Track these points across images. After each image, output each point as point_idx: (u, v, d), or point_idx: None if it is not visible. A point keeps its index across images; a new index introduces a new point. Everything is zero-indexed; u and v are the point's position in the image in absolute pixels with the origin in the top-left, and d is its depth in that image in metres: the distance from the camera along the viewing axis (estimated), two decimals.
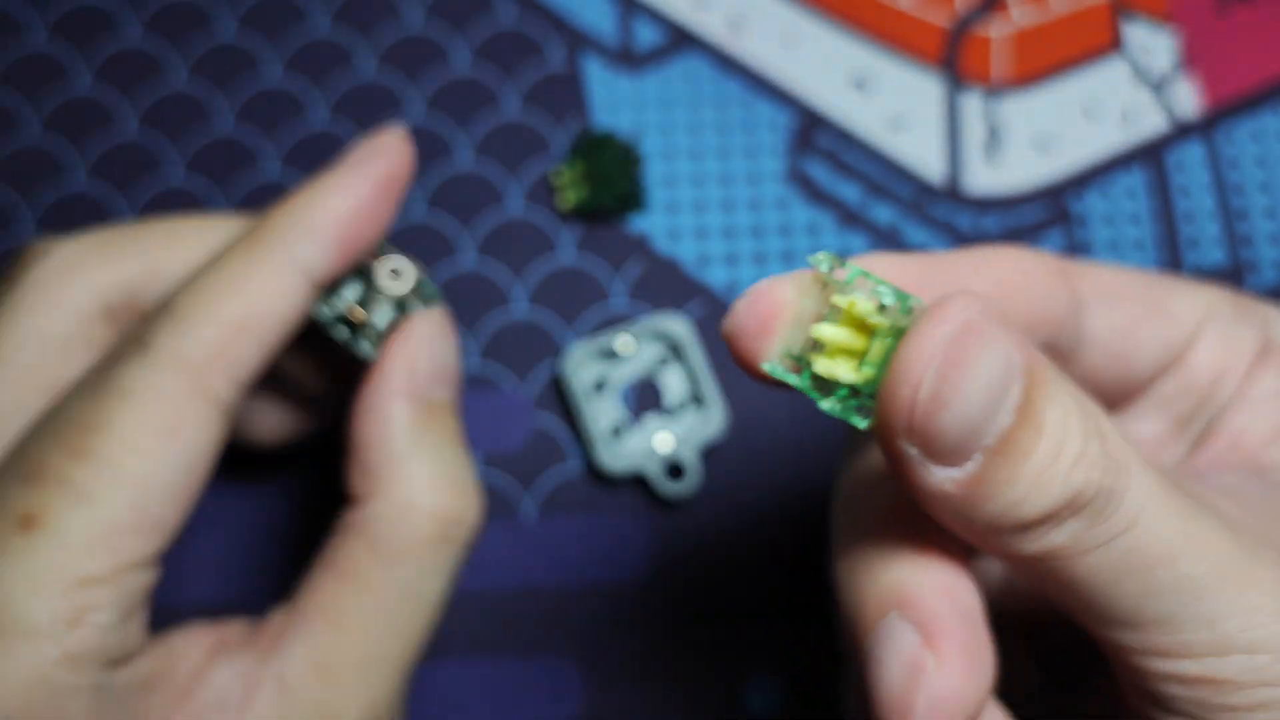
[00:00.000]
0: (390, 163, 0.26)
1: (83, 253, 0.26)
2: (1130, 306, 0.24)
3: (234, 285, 0.24)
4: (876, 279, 0.18)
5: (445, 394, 0.26)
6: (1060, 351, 0.24)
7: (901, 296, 0.18)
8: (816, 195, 0.38)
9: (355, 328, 0.27)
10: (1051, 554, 0.18)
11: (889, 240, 0.37)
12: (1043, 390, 0.18)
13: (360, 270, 0.27)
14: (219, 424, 0.23)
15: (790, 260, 0.37)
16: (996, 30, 0.39)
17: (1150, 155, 0.38)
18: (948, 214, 0.37)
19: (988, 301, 0.18)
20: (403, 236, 0.37)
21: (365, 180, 0.26)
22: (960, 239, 0.37)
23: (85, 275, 0.26)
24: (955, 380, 0.17)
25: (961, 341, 0.17)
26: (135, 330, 0.24)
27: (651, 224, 0.37)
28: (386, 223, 0.26)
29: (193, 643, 0.24)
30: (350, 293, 0.27)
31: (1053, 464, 0.18)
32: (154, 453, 0.22)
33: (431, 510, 0.24)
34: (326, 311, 0.27)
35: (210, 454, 0.23)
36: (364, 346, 0.27)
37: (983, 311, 0.17)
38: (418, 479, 0.25)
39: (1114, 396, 0.25)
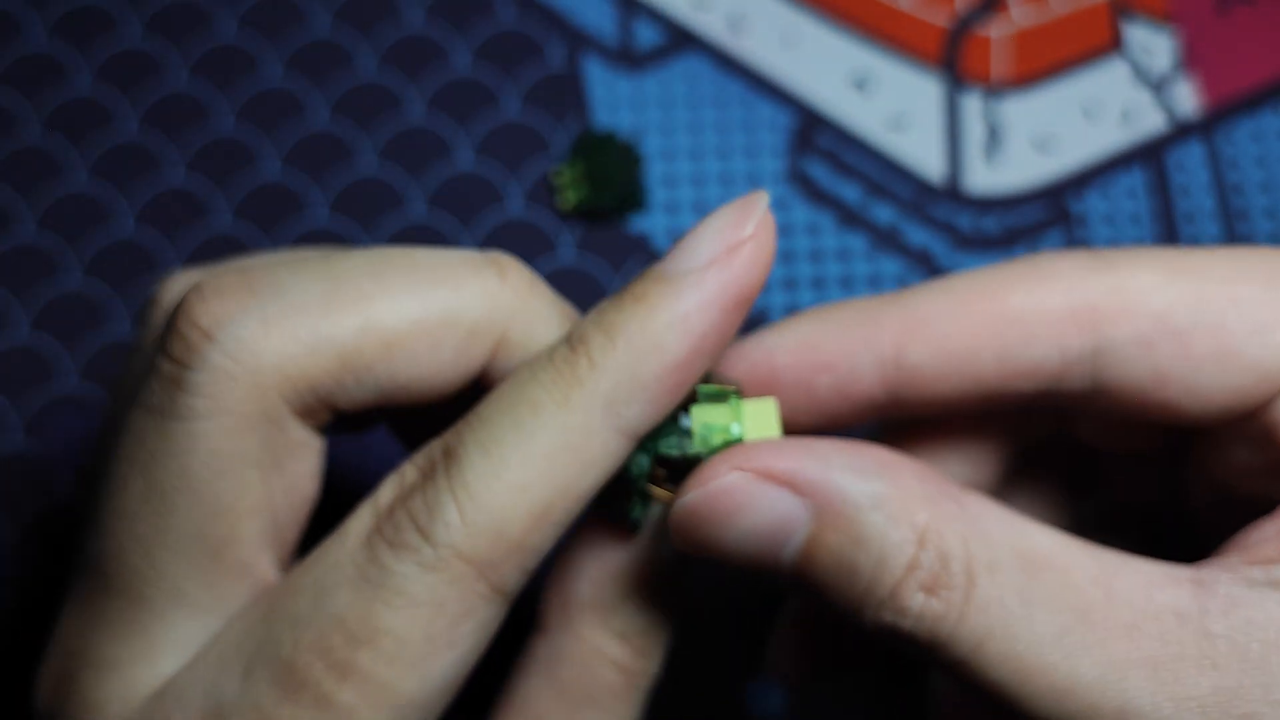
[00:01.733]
0: (749, 270, 0.20)
1: (266, 329, 0.20)
2: (1176, 346, 0.21)
3: (543, 461, 0.19)
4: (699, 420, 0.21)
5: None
6: (1067, 395, 0.22)
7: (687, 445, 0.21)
8: (816, 195, 0.38)
9: (644, 495, 0.22)
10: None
11: (889, 240, 0.37)
12: (834, 535, 0.19)
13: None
14: (501, 613, 0.20)
15: (790, 260, 0.37)
16: (996, 30, 0.39)
17: (1150, 155, 0.38)
18: (948, 214, 0.37)
19: (777, 448, 0.20)
20: (402, 237, 0.37)
21: (714, 305, 0.20)
22: (960, 239, 0.37)
23: (276, 370, 0.20)
24: (714, 532, 0.20)
25: (715, 501, 0.20)
26: (412, 504, 0.19)
27: (651, 224, 0.37)
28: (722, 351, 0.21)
29: None
30: (667, 445, 0.22)
31: (869, 593, 0.19)
32: (429, 667, 0.19)
33: (618, 661, 0.23)
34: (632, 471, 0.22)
35: (485, 646, 0.20)
36: (637, 513, 0.22)
37: (750, 472, 0.19)
38: (616, 628, 0.22)
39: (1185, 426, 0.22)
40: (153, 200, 0.37)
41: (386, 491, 0.20)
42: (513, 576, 0.20)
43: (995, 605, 0.18)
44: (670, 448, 0.21)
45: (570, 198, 0.37)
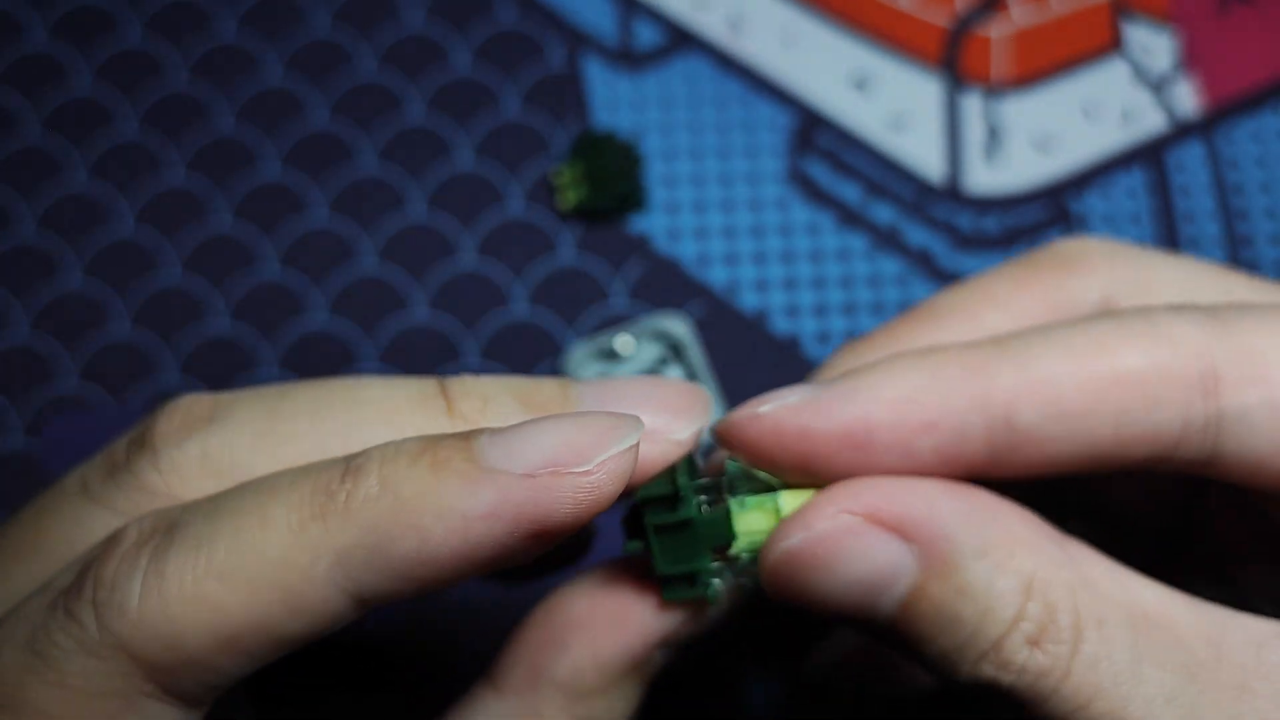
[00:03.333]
0: (568, 507, 0.17)
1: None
2: None
3: (248, 588, 0.17)
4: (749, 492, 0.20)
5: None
6: (1181, 462, 0.20)
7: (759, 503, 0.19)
8: (816, 195, 0.38)
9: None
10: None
11: (889, 240, 0.37)
12: (939, 584, 0.18)
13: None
14: (182, 715, 0.18)
15: (790, 261, 0.37)
16: (996, 30, 0.39)
17: (1150, 155, 0.38)
18: (948, 214, 0.37)
19: (877, 492, 0.18)
20: (402, 238, 0.37)
21: (508, 524, 0.17)
22: (960, 239, 0.37)
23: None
24: (814, 578, 0.18)
25: (820, 546, 0.18)
26: (104, 573, 0.17)
27: (651, 224, 0.37)
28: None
29: None
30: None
31: (970, 645, 0.18)
32: None
33: None
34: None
35: None
36: (712, 590, 0.20)
37: (859, 515, 0.18)
38: (575, 713, 0.21)
39: None
40: (153, 200, 0.37)
41: (100, 548, 0.18)
42: (193, 687, 0.17)
43: (1104, 662, 0.17)
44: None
45: (570, 198, 0.37)
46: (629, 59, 0.39)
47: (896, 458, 0.19)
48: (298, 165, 0.38)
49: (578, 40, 0.39)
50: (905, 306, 0.36)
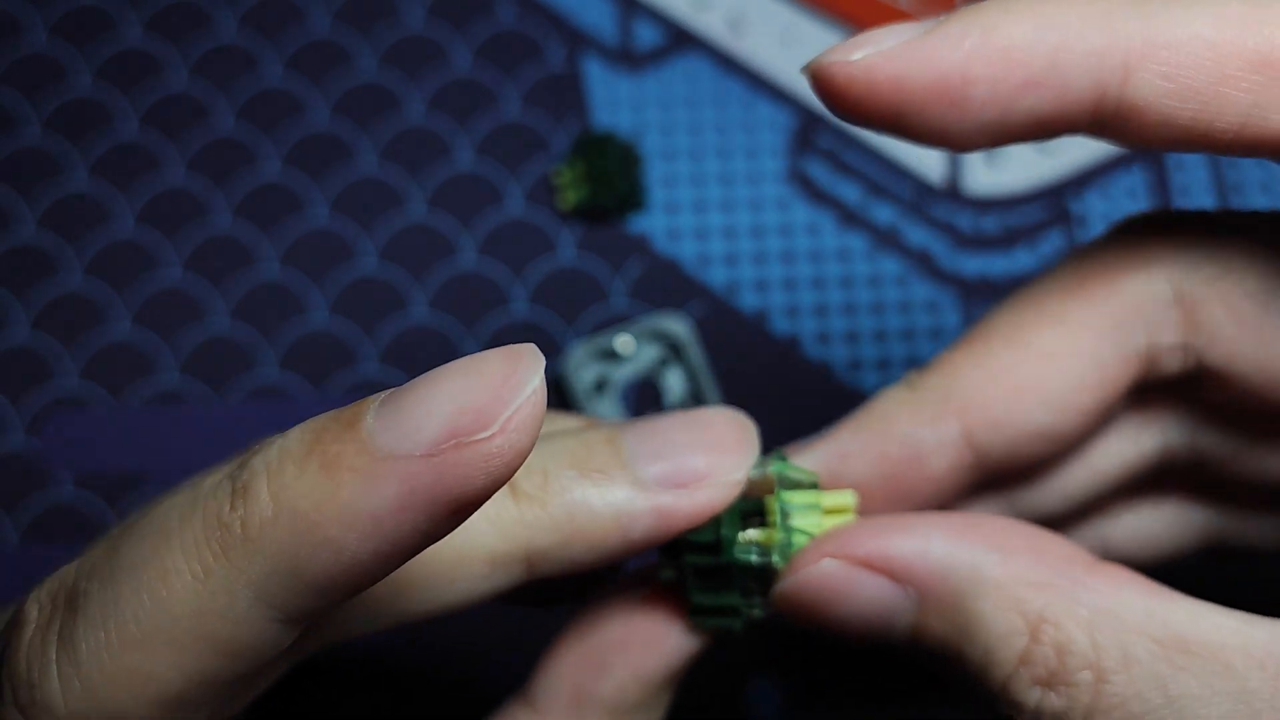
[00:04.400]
0: (483, 472, 0.15)
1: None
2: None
3: (171, 648, 0.16)
4: (786, 500, 0.20)
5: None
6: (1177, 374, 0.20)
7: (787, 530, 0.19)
8: (816, 195, 0.38)
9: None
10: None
11: (889, 240, 0.37)
12: (938, 623, 0.18)
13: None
14: None
15: (790, 261, 0.37)
16: None
17: (1150, 155, 0.38)
18: (947, 214, 0.37)
19: (876, 531, 0.18)
20: (402, 238, 0.37)
21: (420, 509, 0.15)
22: (960, 239, 0.37)
23: None
24: (819, 615, 0.19)
25: (810, 590, 0.19)
26: (15, 665, 0.16)
27: (651, 224, 0.37)
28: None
29: None
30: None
31: (980, 684, 0.17)
32: None
33: None
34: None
35: None
36: (736, 624, 0.21)
37: (844, 559, 0.18)
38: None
39: None
40: (153, 200, 0.37)
41: (4, 639, 0.17)
42: None
43: (1134, 701, 0.16)
44: (746, 554, 0.20)
45: (570, 198, 0.37)
46: (629, 59, 0.39)
47: (994, 115, 0.18)
48: (298, 165, 0.38)
49: (578, 40, 0.39)
50: (905, 306, 0.36)
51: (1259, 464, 0.22)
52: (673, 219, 0.37)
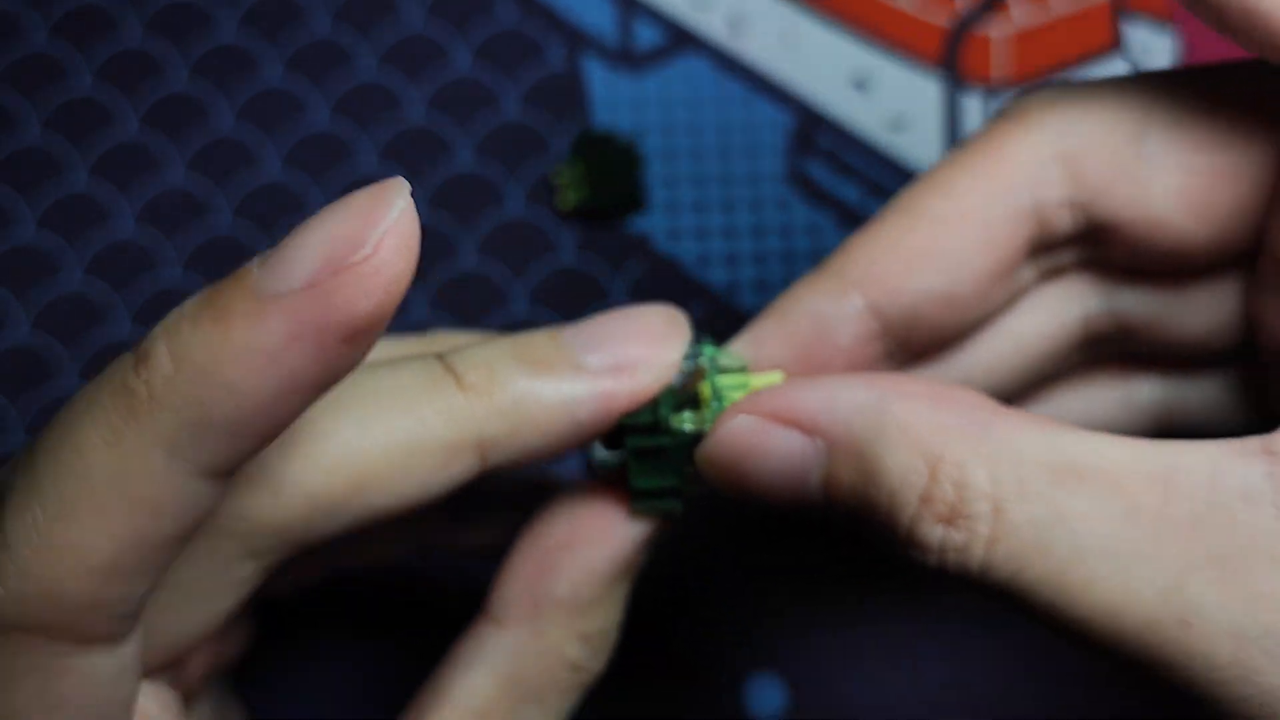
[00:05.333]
0: (361, 297, 0.16)
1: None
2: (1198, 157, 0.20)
3: (95, 515, 0.16)
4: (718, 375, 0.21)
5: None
6: (1108, 223, 0.21)
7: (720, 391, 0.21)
8: (817, 195, 0.38)
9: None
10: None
11: None
12: (847, 472, 0.19)
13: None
14: (123, 652, 0.18)
15: (790, 261, 0.37)
16: (997, 30, 0.39)
17: None
18: None
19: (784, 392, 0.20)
20: None
21: (309, 340, 0.16)
22: None
23: (251, 518, 0.19)
24: (739, 476, 0.20)
25: (728, 447, 0.20)
26: None
27: (652, 224, 0.37)
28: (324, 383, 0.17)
29: None
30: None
31: (889, 529, 0.18)
32: None
33: (576, 662, 0.22)
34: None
35: (129, 685, 0.18)
36: (670, 503, 0.22)
37: (757, 415, 0.19)
38: (579, 628, 0.22)
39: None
40: (153, 200, 0.37)
41: None
42: (103, 626, 0.17)
43: (1027, 526, 0.17)
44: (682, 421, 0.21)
45: (570, 198, 0.37)
46: (629, 59, 0.39)
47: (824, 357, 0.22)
48: (298, 165, 0.38)
49: (578, 40, 0.39)
50: None
51: (1178, 322, 0.23)
52: (673, 219, 0.37)
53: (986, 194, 0.21)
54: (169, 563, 0.17)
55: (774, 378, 0.22)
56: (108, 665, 0.17)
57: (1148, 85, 0.21)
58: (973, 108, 0.39)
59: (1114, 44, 0.40)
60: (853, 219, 0.37)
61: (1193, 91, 0.21)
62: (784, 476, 0.19)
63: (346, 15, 0.39)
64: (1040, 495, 0.17)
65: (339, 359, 0.16)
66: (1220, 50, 0.39)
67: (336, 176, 0.38)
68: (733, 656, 0.33)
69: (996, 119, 0.22)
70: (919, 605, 0.34)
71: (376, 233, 0.15)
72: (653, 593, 0.34)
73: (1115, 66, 0.39)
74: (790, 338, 0.22)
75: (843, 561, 0.34)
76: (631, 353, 0.20)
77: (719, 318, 0.36)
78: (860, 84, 0.39)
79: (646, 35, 0.39)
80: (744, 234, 0.37)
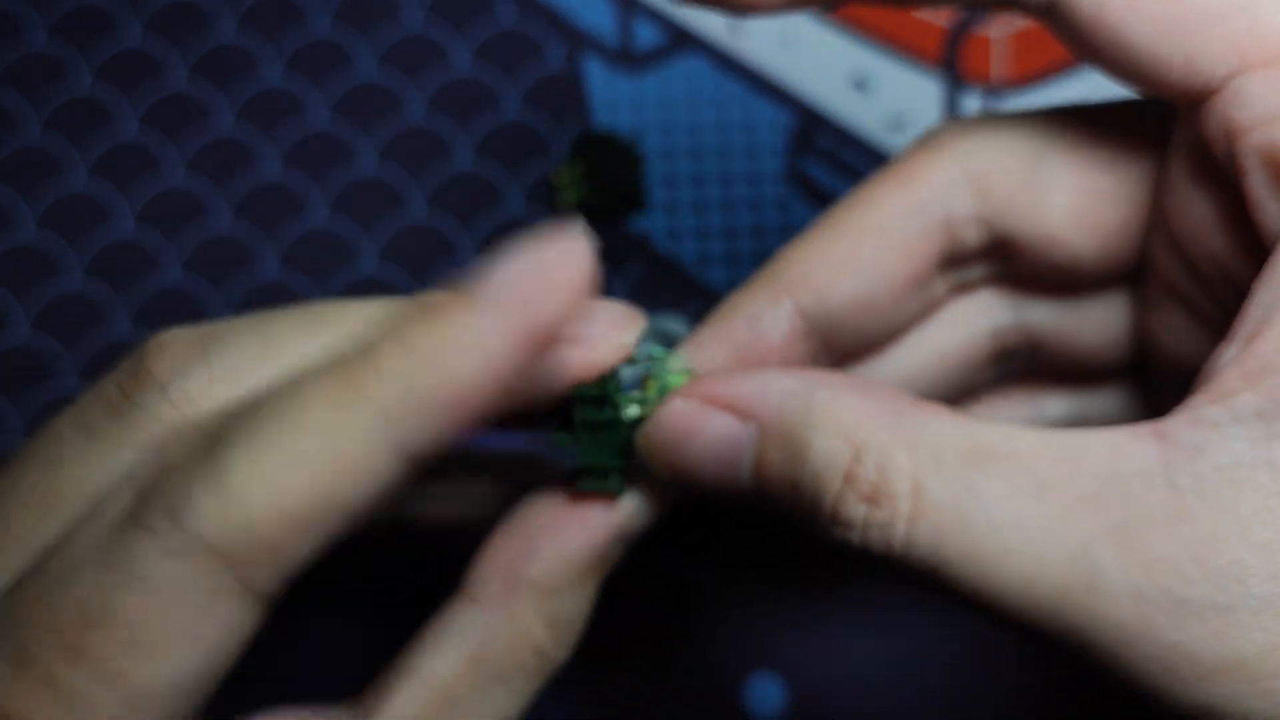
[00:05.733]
0: (555, 304, 0.19)
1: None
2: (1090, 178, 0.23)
3: (306, 466, 0.18)
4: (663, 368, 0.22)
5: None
6: (1015, 240, 0.23)
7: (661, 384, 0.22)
8: (817, 195, 0.38)
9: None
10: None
11: None
12: (776, 453, 0.20)
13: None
14: (254, 616, 0.19)
15: None
16: (996, 31, 0.40)
17: None
18: None
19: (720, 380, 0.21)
20: (402, 238, 0.37)
21: (514, 333, 0.19)
22: None
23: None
24: (674, 458, 0.21)
25: (667, 429, 0.21)
26: (166, 486, 0.19)
27: (652, 224, 0.37)
28: (530, 379, 0.20)
29: None
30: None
31: (815, 509, 0.19)
32: (168, 658, 0.18)
33: (542, 647, 0.22)
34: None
35: (237, 648, 0.19)
36: (614, 482, 0.22)
37: (694, 399, 0.21)
38: (548, 614, 0.22)
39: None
40: (153, 200, 0.37)
41: (147, 469, 0.19)
42: (265, 577, 0.19)
43: (946, 503, 0.18)
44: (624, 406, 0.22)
45: (570, 198, 0.37)
46: (629, 59, 0.39)
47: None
48: (298, 165, 0.38)
49: (578, 40, 0.39)
50: None
51: (1080, 336, 0.25)
52: (673, 219, 0.37)
53: (902, 208, 0.24)
54: (339, 532, 0.19)
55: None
56: (246, 625, 0.19)
57: (1050, 116, 0.24)
58: (973, 108, 0.39)
59: None
60: None
61: (1087, 121, 0.24)
62: (717, 458, 0.20)
63: (346, 15, 0.39)
64: (957, 475, 0.18)
65: (529, 358, 0.19)
66: None
67: (336, 176, 0.38)
68: (733, 656, 0.33)
69: (915, 145, 0.24)
70: (918, 605, 0.34)
71: (568, 262, 0.19)
72: (653, 592, 0.34)
73: None
74: (728, 339, 0.24)
75: (843, 561, 0.34)
76: (588, 330, 0.22)
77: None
78: (860, 84, 0.39)
79: (646, 35, 0.39)
80: (744, 234, 0.37)
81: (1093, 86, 0.39)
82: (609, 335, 0.22)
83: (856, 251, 0.24)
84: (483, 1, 0.39)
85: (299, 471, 0.18)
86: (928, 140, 0.24)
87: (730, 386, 0.20)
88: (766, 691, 0.33)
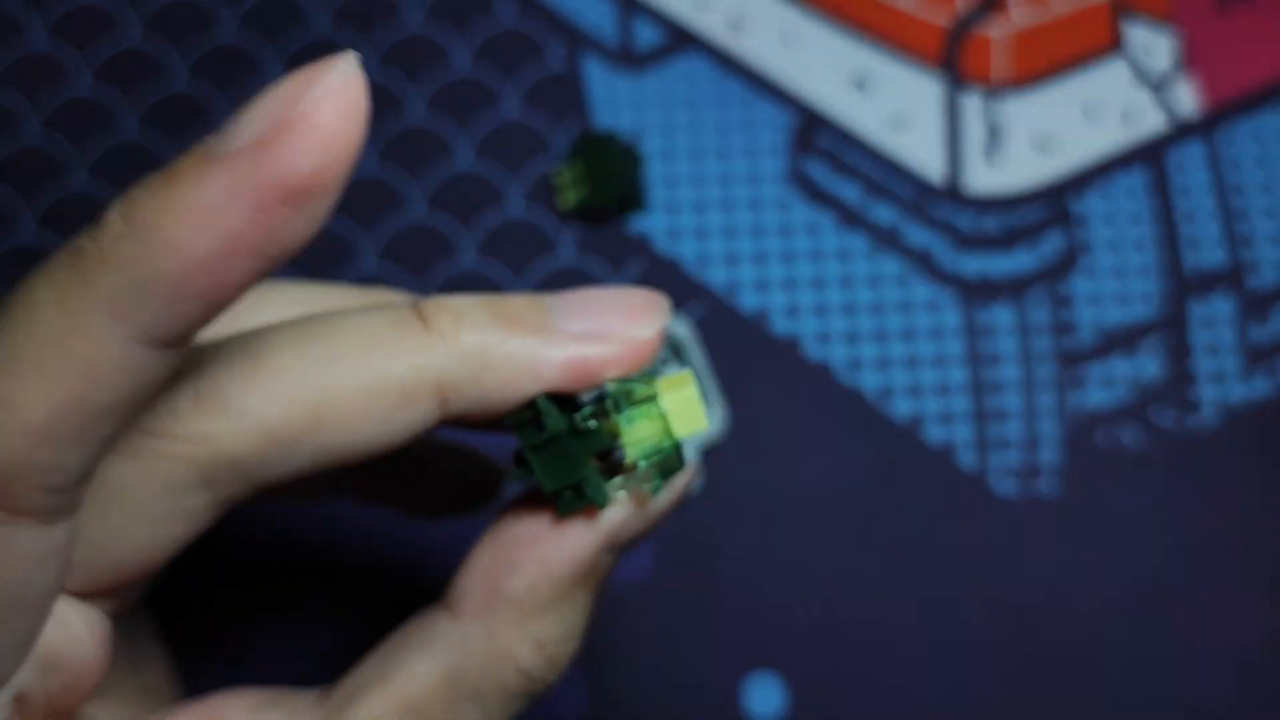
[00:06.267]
0: (303, 154, 0.16)
1: (196, 403, 0.19)
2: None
3: (36, 372, 0.17)
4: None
5: (613, 561, 0.22)
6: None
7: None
8: (817, 195, 0.38)
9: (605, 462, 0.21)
10: None
11: (889, 240, 0.37)
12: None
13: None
14: (56, 534, 0.18)
15: (790, 261, 0.37)
16: (997, 30, 0.40)
17: (1151, 155, 0.38)
18: (948, 214, 0.38)
19: None
20: (403, 238, 0.37)
21: (248, 197, 0.16)
22: (961, 239, 0.37)
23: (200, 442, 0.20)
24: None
25: None
26: None
27: (652, 224, 0.37)
28: (279, 256, 0.17)
29: (235, 698, 0.22)
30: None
31: None
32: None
33: (526, 669, 0.21)
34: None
35: (58, 567, 0.18)
36: (593, 492, 0.21)
37: None
38: (534, 633, 0.21)
39: None
40: None
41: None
42: (34, 498, 0.17)
43: None
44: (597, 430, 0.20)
45: (570, 198, 0.37)
46: (629, 59, 0.39)
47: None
48: None
49: (578, 40, 0.39)
50: (905, 306, 0.36)
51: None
52: (673, 219, 0.37)
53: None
54: (106, 438, 0.17)
55: (683, 377, 0.21)
56: (32, 543, 0.17)
57: None
58: (973, 107, 0.39)
59: (1114, 44, 0.40)
60: (852, 219, 0.37)
61: None
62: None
63: (346, 15, 0.39)
64: None
65: (280, 223, 0.16)
66: (1218, 53, 0.40)
67: None
68: (732, 654, 0.33)
69: None
70: (916, 605, 0.34)
71: (315, 94, 0.16)
72: (654, 591, 0.34)
73: (1115, 66, 0.39)
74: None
75: (842, 561, 0.34)
76: (607, 323, 0.20)
77: (719, 317, 0.36)
78: (860, 84, 0.39)
79: (646, 35, 0.40)
80: (744, 234, 0.37)
81: (1093, 86, 0.39)
82: (629, 330, 0.20)
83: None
84: (482, 2, 0.39)
85: (29, 382, 0.16)
86: None
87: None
88: (765, 690, 0.33)
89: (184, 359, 0.18)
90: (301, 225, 0.16)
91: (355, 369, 0.19)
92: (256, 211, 0.16)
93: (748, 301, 0.36)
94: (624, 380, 0.21)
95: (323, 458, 0.19)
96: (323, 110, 0.16)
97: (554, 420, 0.20)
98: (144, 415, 0.19)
